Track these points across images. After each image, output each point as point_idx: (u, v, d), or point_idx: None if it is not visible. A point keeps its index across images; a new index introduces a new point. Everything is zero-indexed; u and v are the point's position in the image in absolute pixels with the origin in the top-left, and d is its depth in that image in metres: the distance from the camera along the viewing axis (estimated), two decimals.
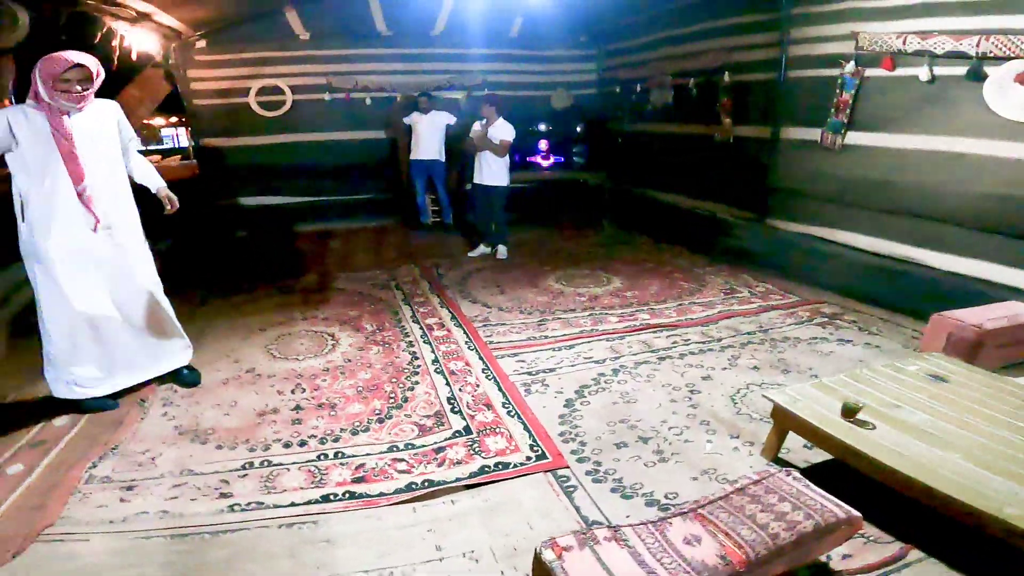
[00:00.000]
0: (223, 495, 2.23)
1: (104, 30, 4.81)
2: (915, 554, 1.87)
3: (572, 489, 2.25)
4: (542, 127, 7.28)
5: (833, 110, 4.54)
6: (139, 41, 5.34)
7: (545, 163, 7.14)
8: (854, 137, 4.44)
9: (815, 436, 2.13)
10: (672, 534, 1.52)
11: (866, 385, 2.37)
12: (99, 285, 2.79)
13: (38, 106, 2.57)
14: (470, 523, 2.07)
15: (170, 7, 5.24)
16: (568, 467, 2.38)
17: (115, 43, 5.04)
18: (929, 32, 3.77)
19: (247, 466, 2.42)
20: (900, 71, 4.02)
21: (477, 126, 5.37)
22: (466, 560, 1.90)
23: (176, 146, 13.63)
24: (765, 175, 5.32)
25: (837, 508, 1.57)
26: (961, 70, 3.62)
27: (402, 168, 6.95)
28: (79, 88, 2.56)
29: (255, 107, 6.80)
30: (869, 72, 4.24)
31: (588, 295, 4.56)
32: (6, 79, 3.99)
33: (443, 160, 6.60)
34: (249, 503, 2.19)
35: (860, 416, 2.09)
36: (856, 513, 1.60)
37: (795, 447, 2.46)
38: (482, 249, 5.82)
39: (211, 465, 2.43)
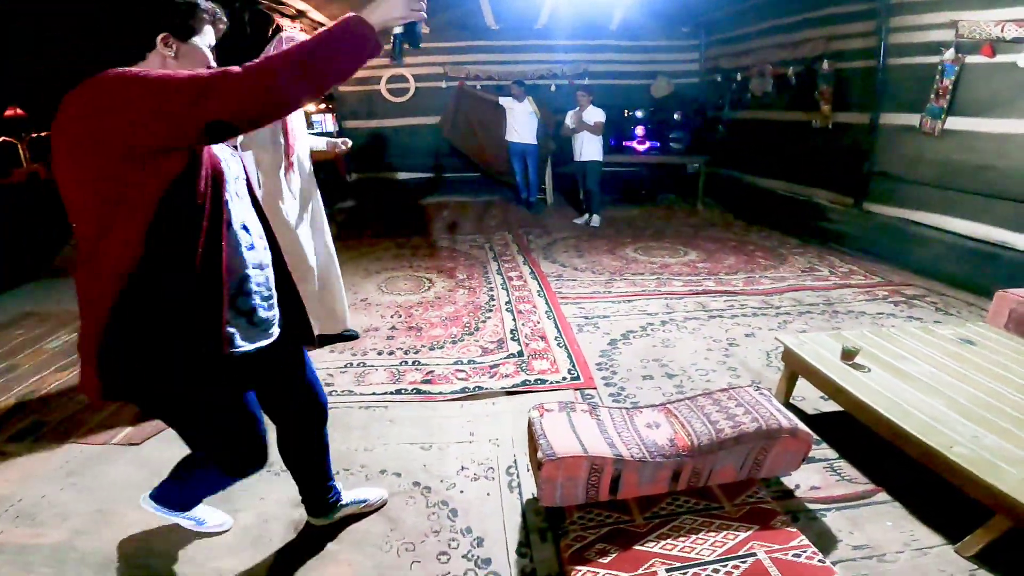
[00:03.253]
0: (327, 384, 2.81)
1: (274, 26, 5.73)
2: (882, 496, 1.97)
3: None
4: (639, 114, 7.37)
5: (933, 96, 4.37)
6: (297, 37, 6.28)
7: (640, 147, 7.23)
8: (954, 122, 4.26)
9: (814, 376, 2.26)
10: (639, 419, 1.82)
11: (885, 340, 2.43)
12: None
13: None
14: (502, 420, 2.49)
15: (321, 6, 6.11)
16: (595, 388, 2.71)
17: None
18: None
19: (348, 365, 3.02)
20: (999, 58, 3.85)
21: (571, 114, 5.98)
22: (490, 444, 2.32)
23: (323, 130, 14.68)
24: (863, 160, 5.12)
25: (783, 418, 1.76)
26: None
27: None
28: None
29: (385, 93, 7.64)
30: (969, 59, 4.07)
31: (660, 263, 4.74)
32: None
33: (535, 144, 6.80)
34: (343, 391, 2.76)
35: (859, 360, 2.20)
36: (803, 427, 1.77)
37: (811, 397, 2.58)
38: (586, 217, 6.34)
39: (324, 363, 3.05)
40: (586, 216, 6.33)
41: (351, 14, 1.10)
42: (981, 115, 4.04)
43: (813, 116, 5.79)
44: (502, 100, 6.91)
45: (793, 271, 4.53)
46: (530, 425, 1.76)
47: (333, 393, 2.74)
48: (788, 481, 2.05)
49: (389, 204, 7.54)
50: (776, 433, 1.72)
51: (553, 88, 7.74)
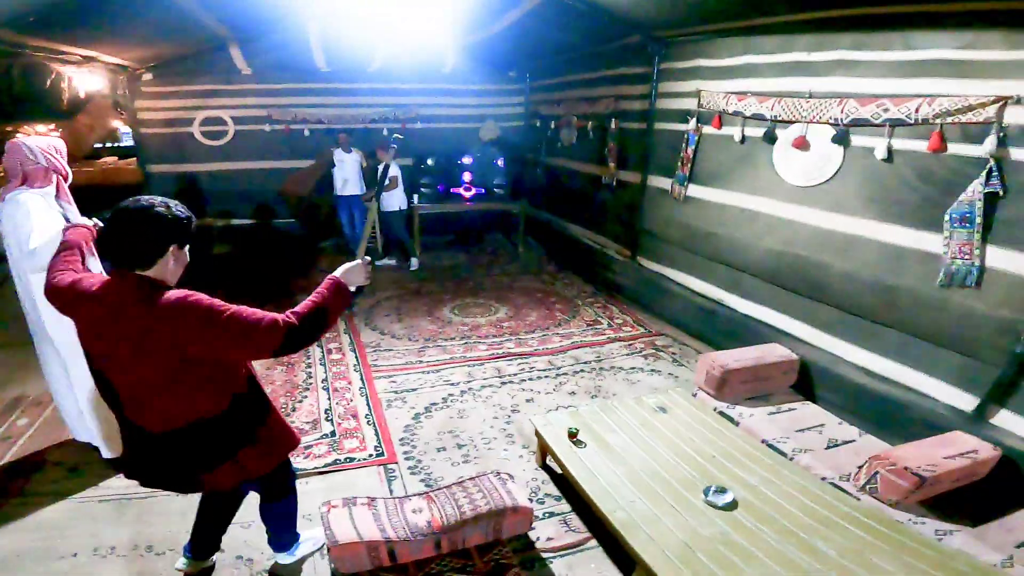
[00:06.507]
0: None
1: (53, 76, 5.63)
2: (592, 543, 2.81)
3: (394, 478, 3.33)
4: (466, 160, 8.20)
5: (679, 163, 5.21)
6: (87, 80, 6.16)
7: (467, 194, 8.09)
8: (693, 190, 5.11)
9: (551, 453, 3.18)
10: (407, 506, 2.61)
11: (606, 414, 3.43)
12: None
13: None
14: (314, 497, 3.07)
15: (113, 52, 6.02)
16: (397, 463, 3.45)
17: (64, 85, 5.86)
18: (744, 93, 4.30)
19: None
20: (724, 130, 4.58)
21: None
22: (304, 519, 2.87)
23: (132, 144, 13.85)
24: (635, 217, 6.29)
25: (509, 499, 2.63)
26: (762, 132, 4.17)
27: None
28: None
29: (199, 136, 7.71)
30: (705, 129, 4.83)
31: (471, 324, 5.63)
32: None
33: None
34: None
35: (580, 437, 3.16)
36: (523, 503, 2.64)
37: None
38: (387, 260, 7.40)
39: None
40: (388, 260, 7.48)
41: (335, 279, 1.96)
42: (709, 185, 4.85)
43: (603, 171, 6.85)
44: (335, 155, 7.27)
45: (580, 326, 5.66)
46: (321, 518, 2.47)
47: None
48: (533, 535, 2.85)
49: (203, 257, 7.59)
50: (503, 511, 2.60)
51: (385, 132, 8.33)
